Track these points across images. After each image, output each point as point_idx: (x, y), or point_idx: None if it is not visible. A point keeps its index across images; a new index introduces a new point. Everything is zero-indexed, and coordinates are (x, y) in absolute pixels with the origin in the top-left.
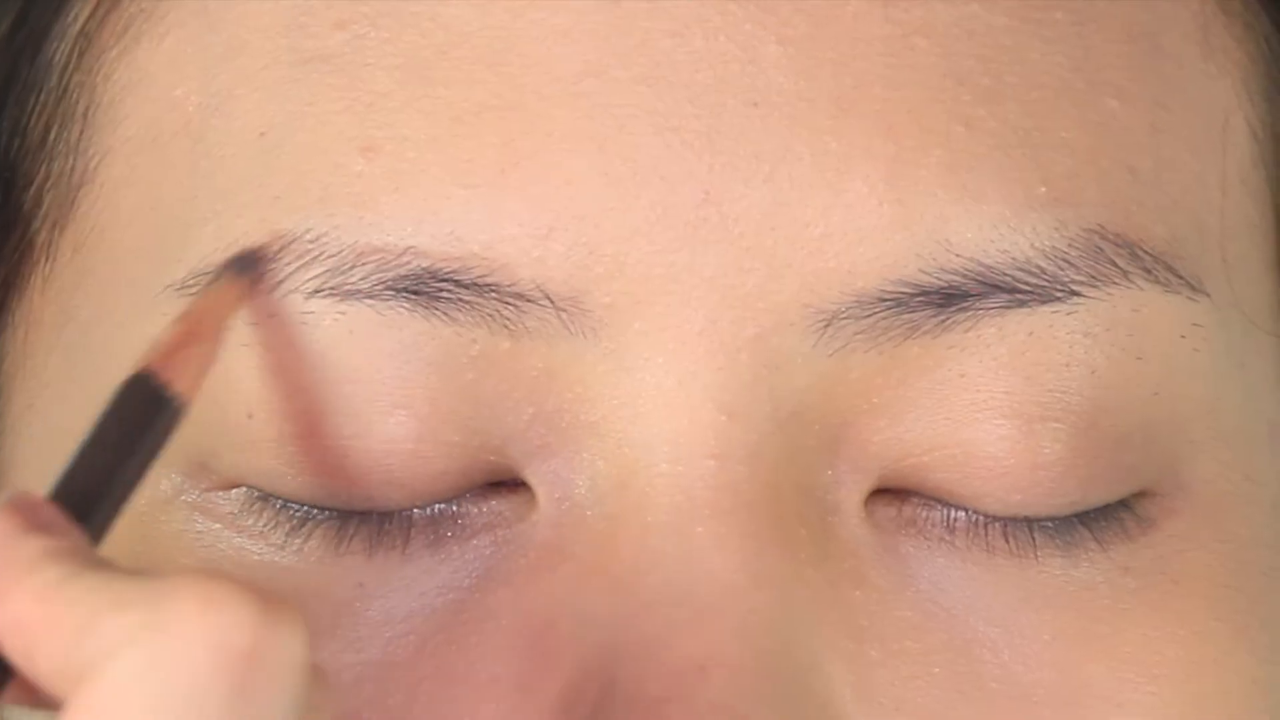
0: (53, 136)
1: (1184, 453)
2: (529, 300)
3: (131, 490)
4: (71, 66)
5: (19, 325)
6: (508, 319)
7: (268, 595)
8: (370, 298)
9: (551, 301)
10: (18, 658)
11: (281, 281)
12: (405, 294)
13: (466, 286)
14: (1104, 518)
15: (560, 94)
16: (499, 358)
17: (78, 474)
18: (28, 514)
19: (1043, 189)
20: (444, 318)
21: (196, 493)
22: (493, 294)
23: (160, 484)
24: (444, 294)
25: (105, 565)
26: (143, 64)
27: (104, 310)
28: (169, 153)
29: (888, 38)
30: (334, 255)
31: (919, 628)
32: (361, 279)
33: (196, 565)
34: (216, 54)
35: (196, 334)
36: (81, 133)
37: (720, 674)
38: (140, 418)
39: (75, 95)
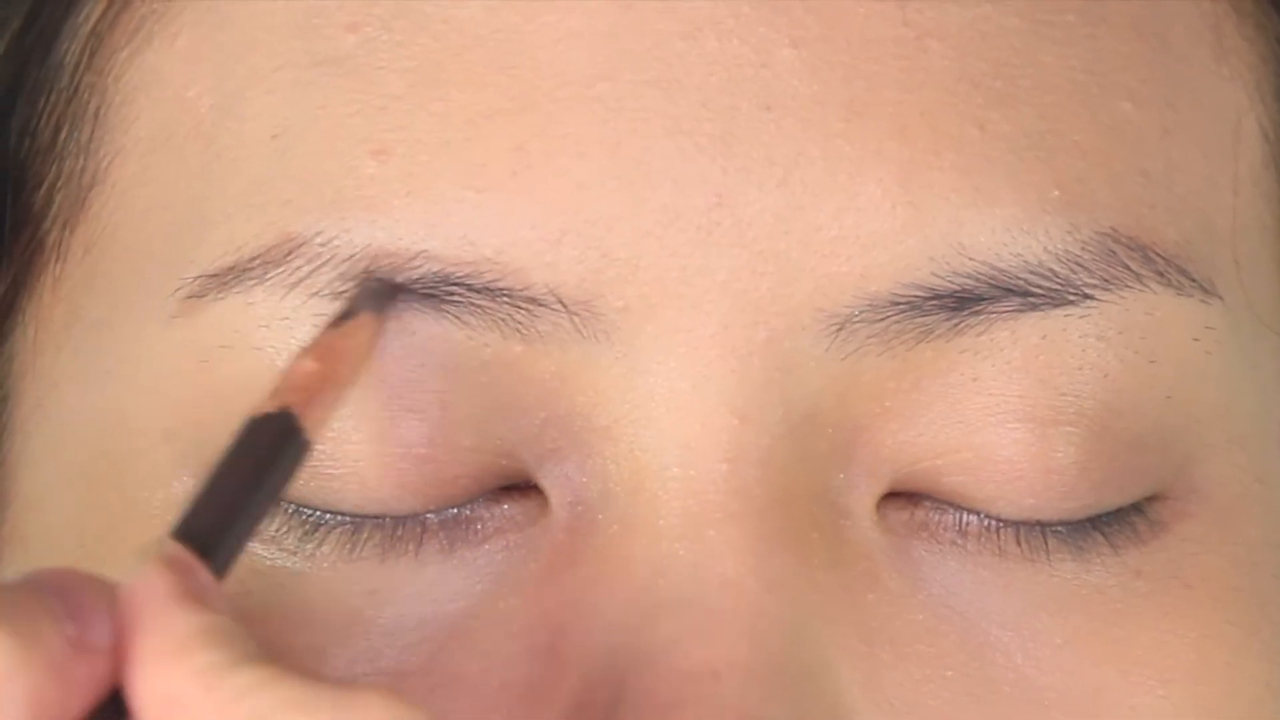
0: (63, 137)
1: (1197, 455)
2: (541, 304)
3: (256, 527)
4: (82, 67)
5: (29, 324)
6: (520, 323)
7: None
8: None
9: (564, 305)
10: None
11: (295, 284)
12: (417, 298)
13: (479, 290)
14: (1116, 521)
15: (572, 97)
16: (511, 362)
17: (206, 506)
18: (183, 576)
19: (1056, 192)
20: (456, 321)
21: None
22: (505, 298)
23: (171, 486)
24: (456, 298)
25: (268, 658)
26: (154, 65)
27: (114, 310)
28: (181, 154)
29: (900, 40)
30: (346, 259)
31: (931, 631)
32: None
33: None
34: (229, 55)
35: (334, 377)
36: (92, 133)
37: (732, 678)
38: (273, 455)
39: (86, 95)
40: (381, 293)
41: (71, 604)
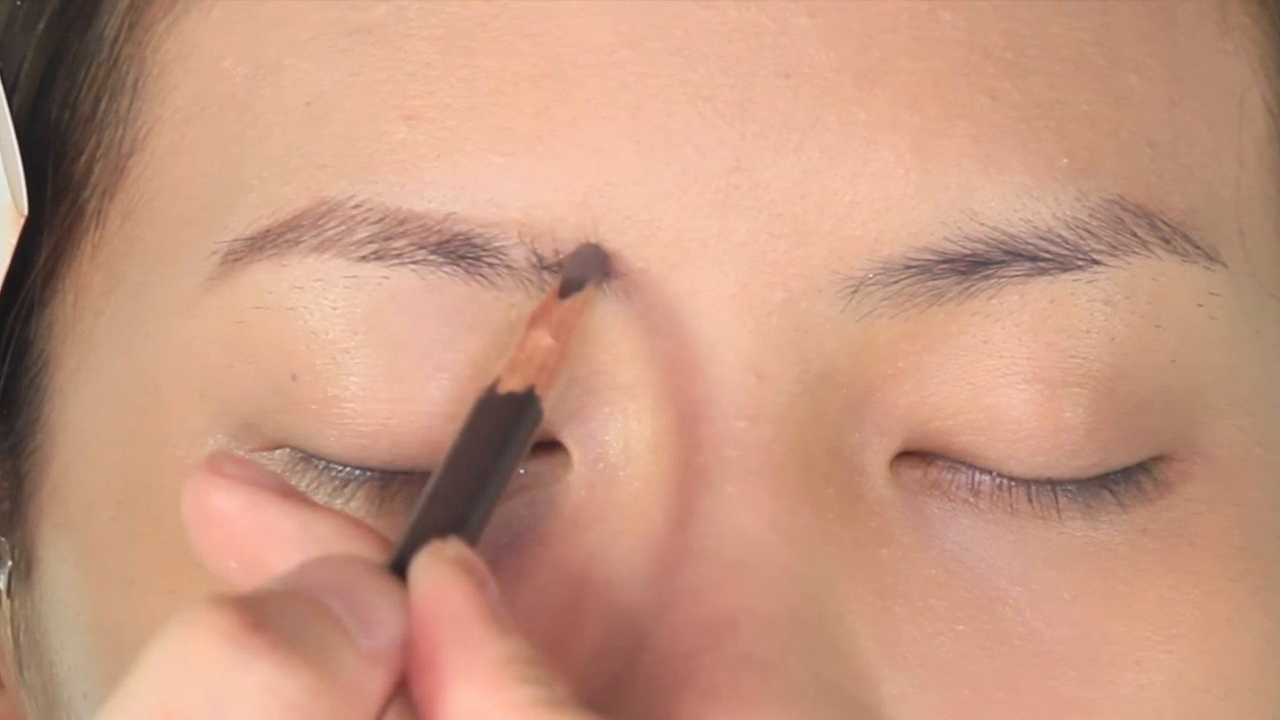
0: (103, 107)
1: (1201, 418)
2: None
3: (499, 496)
4: (121, 39)
5: (69, 291)
6: (546, 284)
7: None
8: (413, 263)
9: None
10: None
11: (328, 246)
12: (447, 259)
13: (505, 251)
14: (1124, 480)
15: (595, 64)
16: None
17: (459, 489)
18: (483, 589)
19: (1065, 160)
20: (484, 282)
21: (242, 453)
22: (531, 260)
23: (206, 444)
24: (484, 259)
25: (583, 703)
26: (190, 36)
27: (152, 275)
28: (217, 122)
29: (914, 11)
30: (378, 221)
31: (944, 585)
32: (405, 244)
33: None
34: (263, 25)
35: (567, 352)
36: (131, 104)
37: (750, 626)
38: (517, 434)
39: (125, 67)
40: (600, 261)
41: (359, 611)
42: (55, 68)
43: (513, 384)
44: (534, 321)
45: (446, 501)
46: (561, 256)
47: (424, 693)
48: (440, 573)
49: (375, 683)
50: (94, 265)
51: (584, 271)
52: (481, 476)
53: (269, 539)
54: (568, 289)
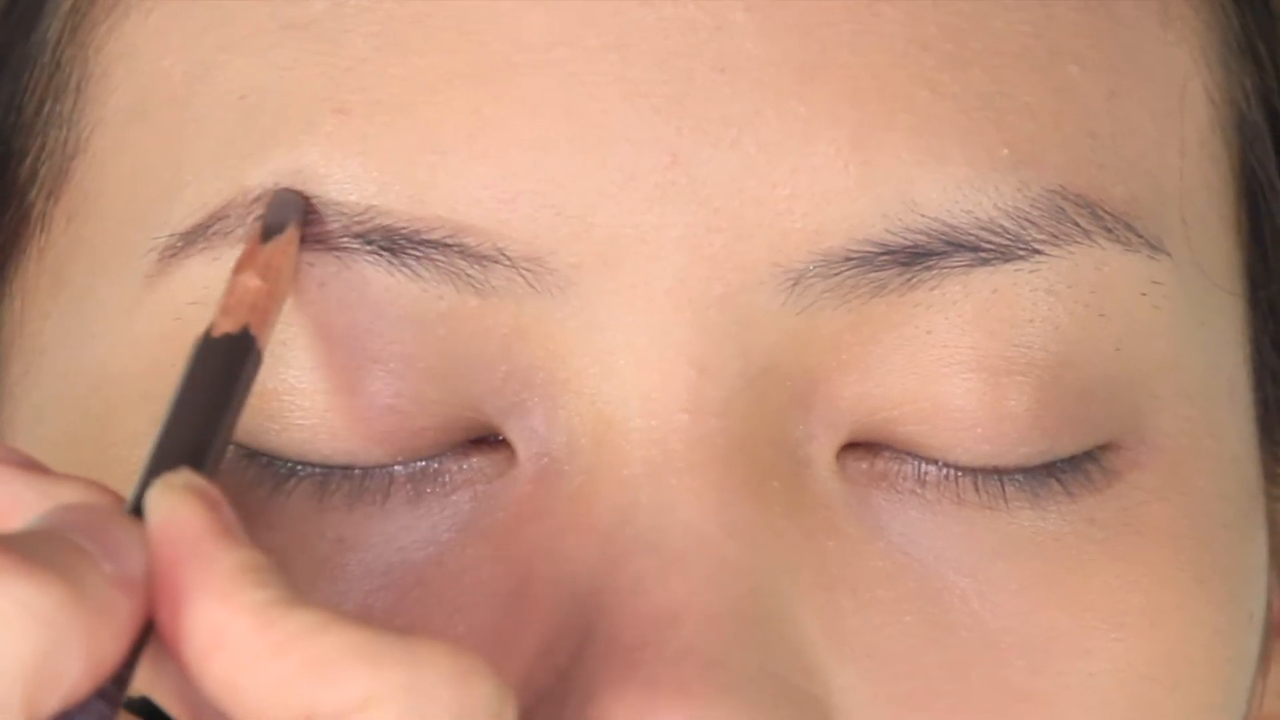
0: (46, 109)
1: (1146, 407)
2: (491, 260)
3: (225, 449)
4: (64, 41)
5: (15, 295)
6: (472, 277)
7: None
8: (336, 250)
9: (513, 261)
10: (200, 667)
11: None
12: (369, 249)
13: (430, 244)
14: (1071, 469)
15: (531, 62)
16: (467, 315)
17: (186, 428)
18: (215, 509)
19: (1005, 151)
20: (409, 274)
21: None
22: (456, 252)
23: (149, 444)
24: (409, 250)
25: (316, 602)
26: (131, 36)
27: (96, 276)
28: (156, 121)
29: (853, 5)
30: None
31: (891, 577)
32: (327, 233)
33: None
34: (201, 24)
35: (277, 292)
36: (74, 105)
37: (693, 620)
38: (237, 373)
39: (68, 69)
40: (298, 204)
41: (103, 542)
42: None
43: (226, 326)
44: (240, 266)
45: (178, 441)
46: (490, 252)
47: (167, 614)
48: (171, 498)
49: (123, 608)
50: (40, 268)
51: (284, 215)
52: (208, 416)
53: (14, 508)
54: (269, 233)
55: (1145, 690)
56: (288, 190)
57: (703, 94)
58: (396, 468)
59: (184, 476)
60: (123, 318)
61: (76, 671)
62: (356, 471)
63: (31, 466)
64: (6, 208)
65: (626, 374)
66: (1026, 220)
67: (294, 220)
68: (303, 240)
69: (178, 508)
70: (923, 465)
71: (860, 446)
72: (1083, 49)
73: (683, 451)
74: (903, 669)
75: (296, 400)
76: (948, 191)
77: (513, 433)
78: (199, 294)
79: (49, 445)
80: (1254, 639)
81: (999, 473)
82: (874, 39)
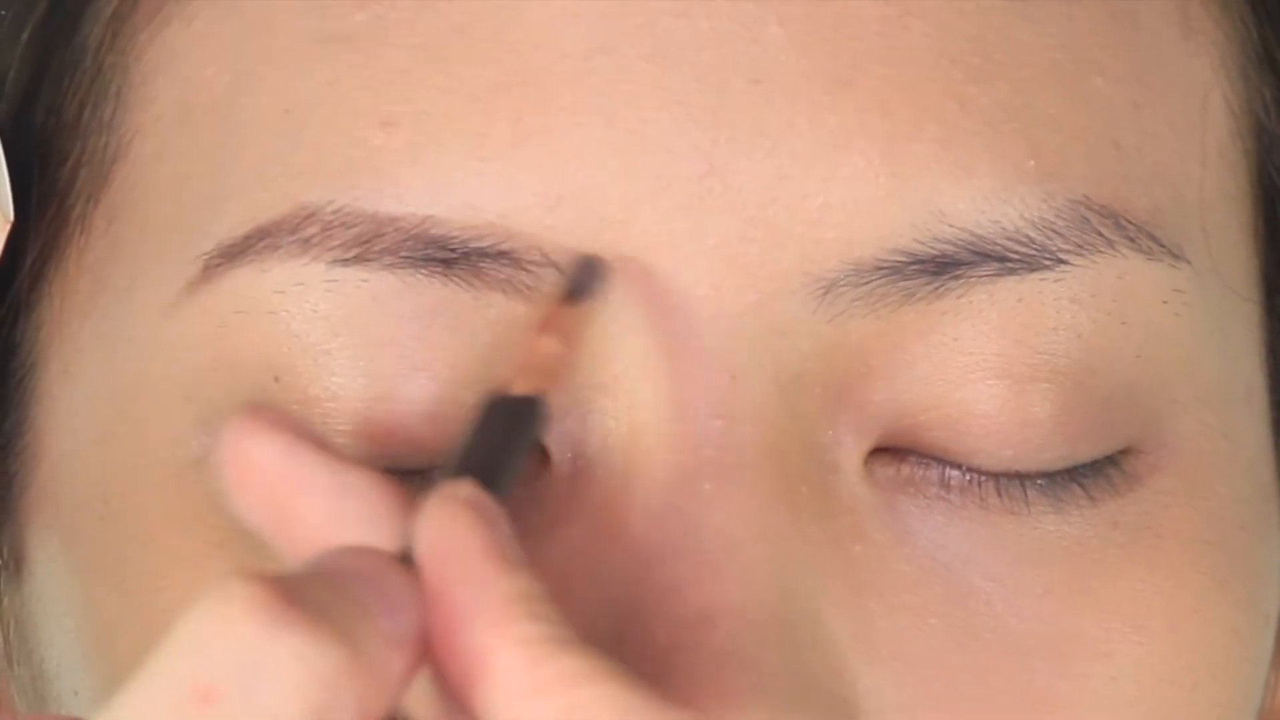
0: (87, 115)
1: (1166, 412)
2: (541, 265)
3: (509, 495)
4: (105, 48)
5: (55, 295)
6: (523, 284)
7: None
8: (392, 266)
9: (559, 268)
10: (461, 693)
11: (307, 250)
12: (425, 261)
13: (482, 253)
14: (1093, 474)
15: (570, 71)
16: (515, 321)
17: (467, 471)
18: (493, 527)
19: (1031, 163)
20: (462, 283)
21: None
22: (507, 260)
23: (190, 445)
24: (461, 261)
25: (588, 646)
26: (173, 45)
27: (136, 280)
28: (198, 130)
29: (883, 18)
30: (356, 226)
31: (917, 581)
32: (383, 248)
33: (229, 524)
34: (243, 35)
35: (572, 359)
36: (114, 111)
37: (726, 623)
38: (523, 434)
39: (109, 75)
40: (601, 272)
41: (382, 595)
42: (40, 75)
43: (523, 387)
44: (542, 327)
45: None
46: (538, 258)
47: (436, 634)
48: (451, 510)
49: (396, 666)
50: (79, 270)
51: (587, 281)
52: (493, 471)
53: (301, 485)
54: (572, 295)
55: (1165, 692)
56: (593, 256)
57: (738, 105)
58: (435, 472)
59: (466, 489)
60: (164, 322)
61: None
62: (395, 476)
63: (323, 445)
64: (47, 209)
65: (661, 379)
66: (1052, 230)
67: (599, 289)
68: (359, 258)
69: (457, 522)
70: (947, 470)
71: (887, 452)
72: (1107, 61)
73: (715, 457)
74: (929, 672)
75: (339, 407)
76: (975, 202)
77: (548, 436)
78: (245, 303)
79: (87, 444)
80: (1269, 637)
81: (1022, 477)
82: (904, 52)
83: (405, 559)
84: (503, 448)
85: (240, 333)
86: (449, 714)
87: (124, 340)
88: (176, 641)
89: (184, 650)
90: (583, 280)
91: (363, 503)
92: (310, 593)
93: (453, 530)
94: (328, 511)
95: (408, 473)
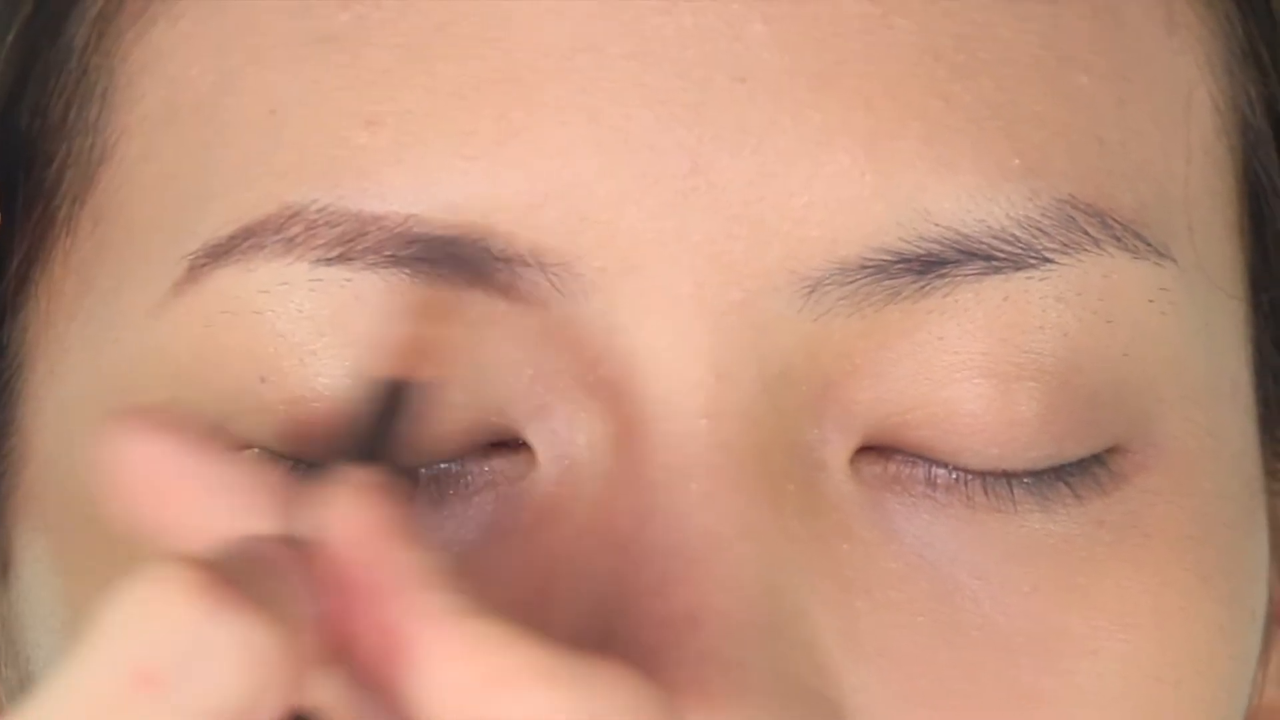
0: (72, 116)
1: (1153, 410)
2: (524, 265)
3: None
4: (90, 49)
5: (41, 296)
6: (505, 283)
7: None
8: (375, 265)
9: (544, 267)
10: (373, 669)
11: (291, 250)
12: (408, 260)
13: (465, 253)
14: (1079, 472)
15: (554, 69)
16: (498, 320)
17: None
18: (393, 507)
19: (1016, 160)
20: (445, 283)
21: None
22: (490, 259)
23: None
24: (445, 260)
25: (498, 614)
26: (158, 45)
27: (122, 281)
28: (183, 130)
29: (867, 16)
30: (340, 225)
31: (904, 579)
32: (366, 247)
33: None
34: (228, 35)
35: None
36: (100, 112)
37: (711, 623)
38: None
39: (94, 76)
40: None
41: (298, 580)
42: (25, 77)
43: (402, 371)
44: (423, 313)
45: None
46: (522, 257)
47: (342, 613)
48: (353, 493)
49: (317, 649)
50: (65, 271)
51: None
52: (381, 454)
53: (178, 483)
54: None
55: (1151, 689)
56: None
57: (721, 102)
58: (420, 470)
59: (365, 473)
60: (150, 323)
61: (272, 715)
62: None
63: (201, 441)
64: (32, 211)
65: (647, 378)
66: (1037, 229)
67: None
68: (342, 257)
69: (359, 503)
70: (934, 468)
71: (873, 450)
72: (1091, 58)
73: (702, 455)
74: (915, 669)
75: (325, 407)
76: (960, 200)
77: (534, 436)
78: (230, 304)
79: (75, 445)
80: (1256, 634)
81: (1008, 476)
82: (888, 49)
83: (292, 545)
84: (388, 431)
85: (226, 333)
86: (361, 697)
87: (110, 341)
88: (114, 625)
89: (123, 633)
90: (460, 264)
91: (241, 494)
92: (245, 575)
93: (356, 509)
94: (206, 508)
95: (392, 473)
